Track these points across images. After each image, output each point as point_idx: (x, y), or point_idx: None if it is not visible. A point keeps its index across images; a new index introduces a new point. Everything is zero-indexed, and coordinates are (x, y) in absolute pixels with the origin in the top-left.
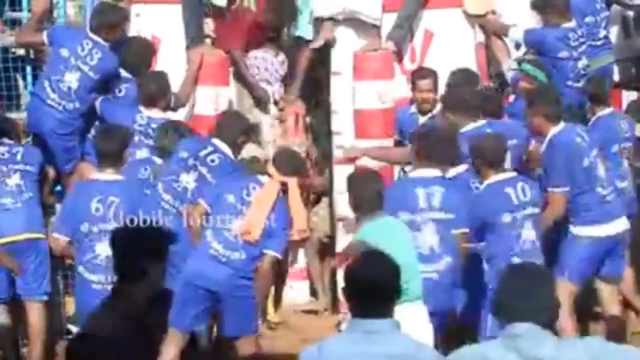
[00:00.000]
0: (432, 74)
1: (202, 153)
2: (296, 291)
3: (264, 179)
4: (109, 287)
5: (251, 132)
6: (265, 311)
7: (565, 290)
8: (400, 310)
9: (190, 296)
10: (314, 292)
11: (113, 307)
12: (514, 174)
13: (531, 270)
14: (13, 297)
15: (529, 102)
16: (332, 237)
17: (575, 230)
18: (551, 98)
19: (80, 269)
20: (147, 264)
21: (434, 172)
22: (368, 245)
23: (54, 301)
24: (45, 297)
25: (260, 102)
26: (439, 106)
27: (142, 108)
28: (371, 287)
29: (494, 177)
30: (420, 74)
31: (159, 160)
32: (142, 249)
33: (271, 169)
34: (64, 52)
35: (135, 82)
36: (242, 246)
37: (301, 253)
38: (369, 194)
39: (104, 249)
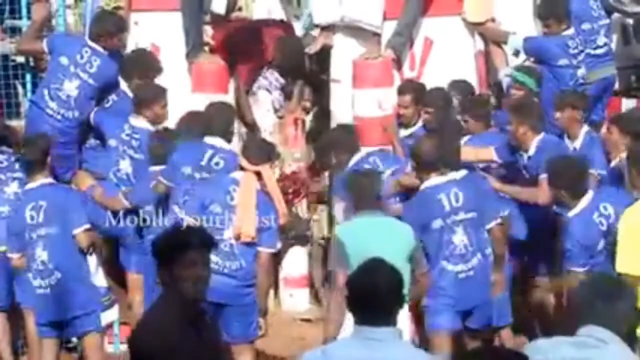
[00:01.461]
0: (413, 91)
1: (204, 161)
2: (296, 299)
3: (238, 175)
4: (48, 291)
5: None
6: (267, 310)
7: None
8: None
9: None
10: (317, 298)
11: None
12: (451, 177)
13: (617, 281)
14: (12, 305)
15: (514, 111)
16: (329, 240)
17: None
18: (538, 109)
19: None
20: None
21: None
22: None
23: None
24: None
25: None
26: (420, 122)
27: (131, 117)
28: (374, 296)
29: (429, 182)
30: (400, 89)
31: (156, 168)
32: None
33: (243, 161)
34: (64, 60)
35: (124, 92)
36: (239, 254)
37: (302, 260)
38: (367, 193)
39: (41, 254)
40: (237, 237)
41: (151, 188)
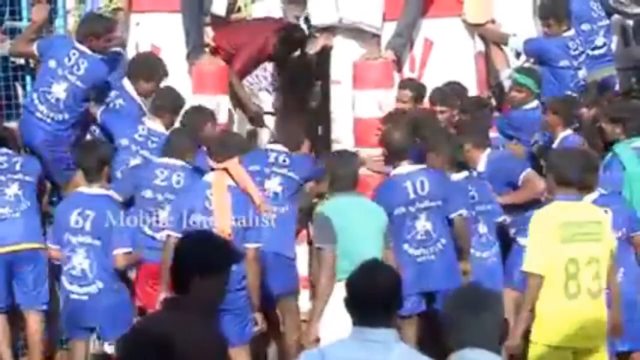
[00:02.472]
0: (415, 88)
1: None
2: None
3: (210, 177)
4: (85, 298)
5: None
6: (260, 307)
7: (513, 299)
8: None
9: None
10: None
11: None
12: (419, 167)
13: (484, 292)
14: (12, 306)
15: (459, 129)
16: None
17: (523, 241)
18: (479, 125)
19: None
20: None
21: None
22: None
23: (53, 311)
24: (44, 307)
25: (257, 116)
26: None
27: (145, 119)
28: (374, 298)
29: (398, 170)
30: (401, 84)
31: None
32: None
33: (210, 161)
34: (52, 64)
35: (130, 95)
36: None
37: (302, 261)
38: (344, 173)
39: (82, 262)
40: None
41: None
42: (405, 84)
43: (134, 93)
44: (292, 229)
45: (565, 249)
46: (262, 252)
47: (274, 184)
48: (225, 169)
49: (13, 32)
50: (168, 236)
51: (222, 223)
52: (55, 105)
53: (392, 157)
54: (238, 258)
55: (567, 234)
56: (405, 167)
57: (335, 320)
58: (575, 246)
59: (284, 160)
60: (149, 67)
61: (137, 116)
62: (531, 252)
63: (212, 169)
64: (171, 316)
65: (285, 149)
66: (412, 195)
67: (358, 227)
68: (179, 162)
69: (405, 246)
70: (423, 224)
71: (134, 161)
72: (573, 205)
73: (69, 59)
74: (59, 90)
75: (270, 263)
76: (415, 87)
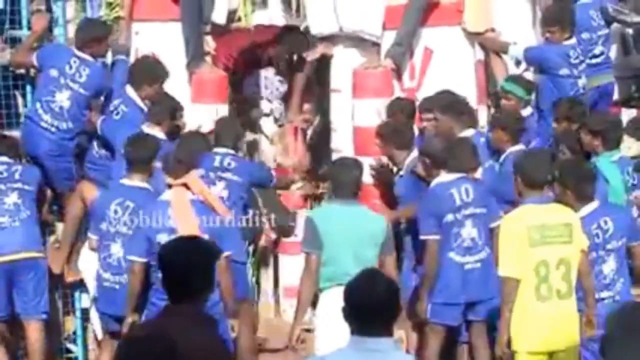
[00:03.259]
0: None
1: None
2: None
3: (167, 195)
4: (117, 287)
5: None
6: (237, 312)
7: None
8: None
9: None
10: None
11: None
12: (461, 175)
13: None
14: (12, 315)
15: (378, 136)
16: None
17: None
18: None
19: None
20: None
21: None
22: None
23: (53, 320)
24: (44, 316)
25: (257, 121)
26: None
27: (145, 126)
28: (373, 307)
29: (441, 178)
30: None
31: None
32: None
33: (167, 178)
34: (53, 72)
35: (133, 101)
36: None
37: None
38: (344, 180)
39: (119, 251)
40: None
41: None
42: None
43: (137, 99)
44: (238, 233)
45: (535, 252)
46: None
47: (218, 189)
48: (185, 185)
49: (14, 41)
50: (132, 262)
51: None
52: (59, 114)
53: (434, 165)
54: (219, 253)
55: (536, 237)
56: (447, 176)
57: (328, 330)
58: (545, 249)
59: (229, 164)
60: (150, 70)
61: (140, 123)
62: (504, 257)
63: (170, 186)
64: (173, 323)
65: (232, 152)
66: (458, 202)
67: (344, 236)
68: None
69: (452, 254)
70: (469, 231)
71: None
72: (542, 207)
73: (70, 67)
74: (63, 98)
75: None
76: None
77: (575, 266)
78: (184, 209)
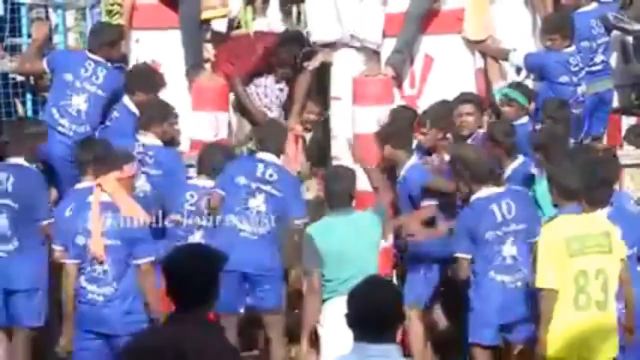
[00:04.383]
0: (475, 99)
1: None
2: None
3: (90, 196)
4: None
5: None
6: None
7: None
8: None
9: (87, 340)
10: None
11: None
12: (502, 189)
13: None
14: (9, 322)
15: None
16: None
17: None
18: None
19: None
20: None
21: None
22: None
23: (50, 328)
24: (41, 324)
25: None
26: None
27: (138, 135)
28: (377, 313)
29: (479, 193)
30: (462, 97)
31: (209, 182)
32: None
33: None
34: (68, 77)
35: (128, 109)
36: (111, 279)
37: None
38: (337, 189)
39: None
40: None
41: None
42: (466, 97)
43: (132, 107)
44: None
45: (575, 262)
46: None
47: (258, 202)
48: (99, 185)
49: (14, 49)
50: (63, 263)
51: (95, 244)
52: (77, 117)
53: (473, 180)
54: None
55: (575, 247)
56: (487, 190)
57: (333, 341)
58: (584, 259)
59: (271, 175)
60: (146, 78)
61: (131, 129)
62: (542, 268)
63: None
64: (181, 330)
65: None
66: (499, 219)
67: (346, 247)
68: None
69: (492, 273)
70: (509, 249)
71: (139, 181)
72: (580, 217)
73: (86, 70)
74: (80, 101)
75: None
76: (476, 98)
77: (614, 276)
78: (95, 213)
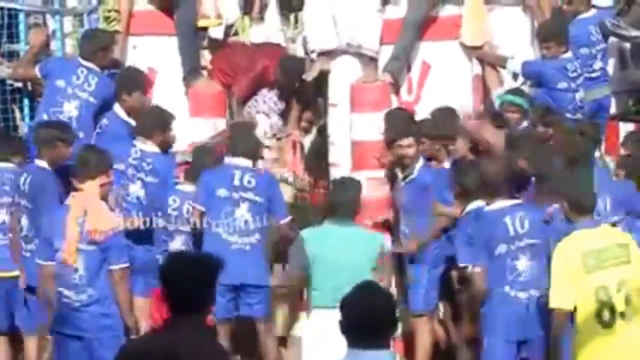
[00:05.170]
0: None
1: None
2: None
3: (69, 200)
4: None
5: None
6: (139, 328)
7: None
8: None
9: (62, 341)
10: None
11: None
12: (515, 201)
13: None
14: (12, 329)
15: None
16: None
17: None
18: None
19: None
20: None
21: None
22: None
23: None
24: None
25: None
26: None
27: (136, 142)
28: (372, 320)
29: (493, 205)
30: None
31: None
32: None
33: (74, 182)
34: (60, 83)
35: (116, 114)
36: (86, 284)
37: None
38: (341, 200)
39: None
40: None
41: None
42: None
43: (123, 114)
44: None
45: (592, 277)
46: None
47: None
48: (79, 189)
49: (11, 55)
50: (42, 266)
51: (67, 250)
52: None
53: (487, 191)
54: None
55: (591, 263)
56: (501, 202)
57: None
58: (603, 273)
59: (249, 182)
60: (128, 78)
61: (124, 137)
62: (554, 287)
63: (76, 190)
64: (176, 335)
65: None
66: (512, 233)
67: (337, 258)
68: None
69: (507, 288)
70: (524, 264)
71: (134, 186)
72: (594, 231)
73: (77, 77)
74: (71, 108)
75: None
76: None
77: (637, 284)
78: (73, 220)
